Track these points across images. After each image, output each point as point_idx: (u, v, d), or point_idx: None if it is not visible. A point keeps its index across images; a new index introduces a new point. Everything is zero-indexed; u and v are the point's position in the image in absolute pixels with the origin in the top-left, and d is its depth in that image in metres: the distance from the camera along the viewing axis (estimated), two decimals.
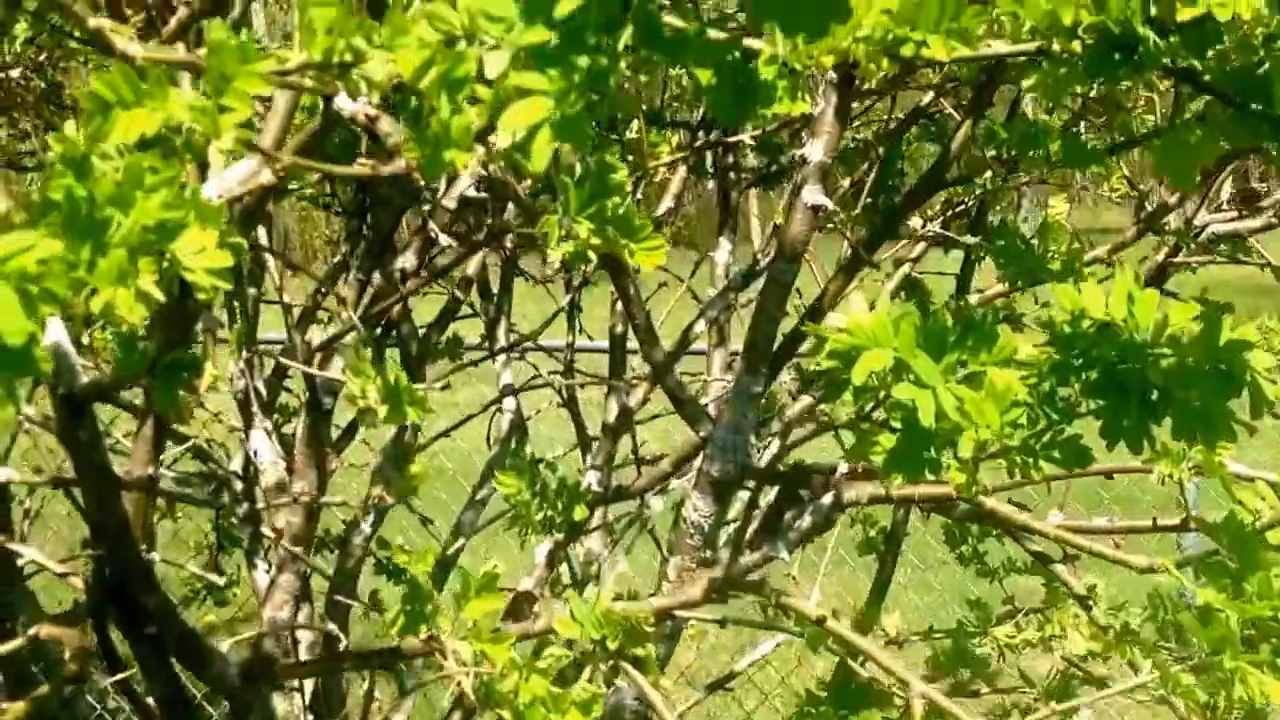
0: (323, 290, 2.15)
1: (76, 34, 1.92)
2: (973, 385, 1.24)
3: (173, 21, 1.54)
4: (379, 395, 1.08)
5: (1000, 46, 0.98)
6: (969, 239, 2.24)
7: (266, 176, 0.98)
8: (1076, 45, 0.93)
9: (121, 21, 1.17)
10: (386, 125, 0.93)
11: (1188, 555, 1.39)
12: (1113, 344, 1.10)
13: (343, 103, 1.04)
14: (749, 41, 0.79)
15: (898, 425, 1.26)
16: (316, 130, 1.09)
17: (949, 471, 1.28)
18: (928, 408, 1.19)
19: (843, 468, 1.79)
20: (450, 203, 2.04)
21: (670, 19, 0.71)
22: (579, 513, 1.78)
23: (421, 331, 2.31)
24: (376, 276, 2.11)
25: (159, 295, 0.85)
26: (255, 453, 2.07)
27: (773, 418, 2.00)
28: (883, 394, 1.26)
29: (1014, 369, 1.22)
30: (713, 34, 0.69)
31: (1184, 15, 0.86)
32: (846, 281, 2.04)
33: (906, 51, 0.94)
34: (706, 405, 2.50)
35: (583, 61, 0.65)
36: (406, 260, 2.13)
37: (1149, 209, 2.22)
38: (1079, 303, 1.19)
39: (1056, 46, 0.93)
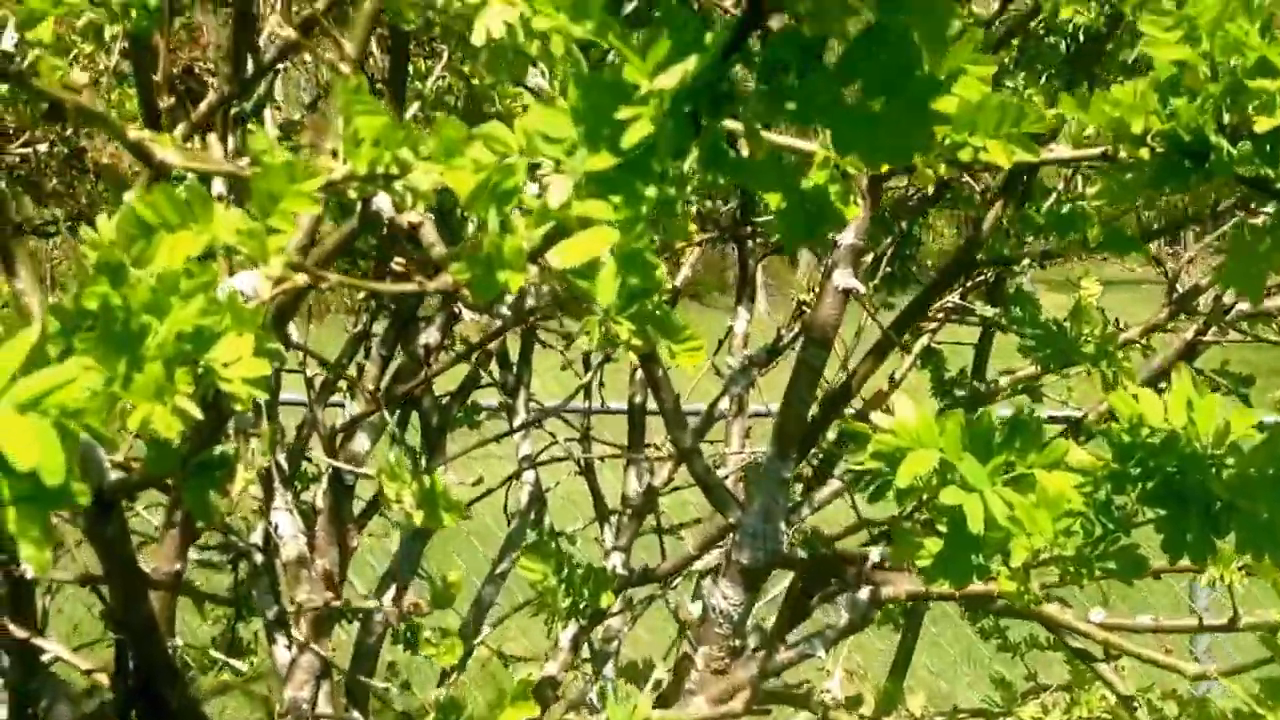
0: (344, 362, 2.13)
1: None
2: (1021, 488, 1.20)
3: (203, 105, 1.52)
4: (414, 500, 1.05)
5: (1062, 151, 0.95)
6: (988, 310, 2.21)
7: (303, 278, 0.95)
8: (1144, 152, 0.90)
9: (154, 111, 1.15)
10: (430, 234, 0.90)
11: (1236, 665, 1.35)
12: (1173, 454, 1.06)
13: (382, 204, 1.01)
14: (807, 145, 0.77)
15: (943, 529, 1.22)
16: (352, 231, 1.06)
17: (998, 577, 1.24)
18: (976, 513, 1.15)
19: (874, 555, 1.75)
20: None
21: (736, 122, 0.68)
22: (605, 600, 1.74)
23: (443, 401, 2.28)
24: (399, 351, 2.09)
25: (196, 412, 0.82)
26: (276, 527, 2.03)
27: (802, 504, 1.97)
28: (927, 496, 1.23)
29: (1067, 475, 1.19)
30: (784, 156, 0.66)
31: (1263, 126, 0.83)
32: (876, 364, 2.01)
33: (964, 156, 0.91)
34: (726, 478, 2.47)
35: (650, 191, 0.62)
36: (430, 335, 2.11)
37: (1180, 290, 2.19)
38: (1136, 410, 1.16)
39: (1123, 153, 0.90)
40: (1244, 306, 2.44)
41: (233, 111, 1.41)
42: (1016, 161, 0.93)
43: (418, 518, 1.06)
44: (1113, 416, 1.17)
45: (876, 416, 1.27)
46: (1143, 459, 1.15)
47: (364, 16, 1.17)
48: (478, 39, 0.96)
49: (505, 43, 0.98)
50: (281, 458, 2.06)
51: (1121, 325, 2.17)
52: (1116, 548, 1.17)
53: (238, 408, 0.90)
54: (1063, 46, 1.81)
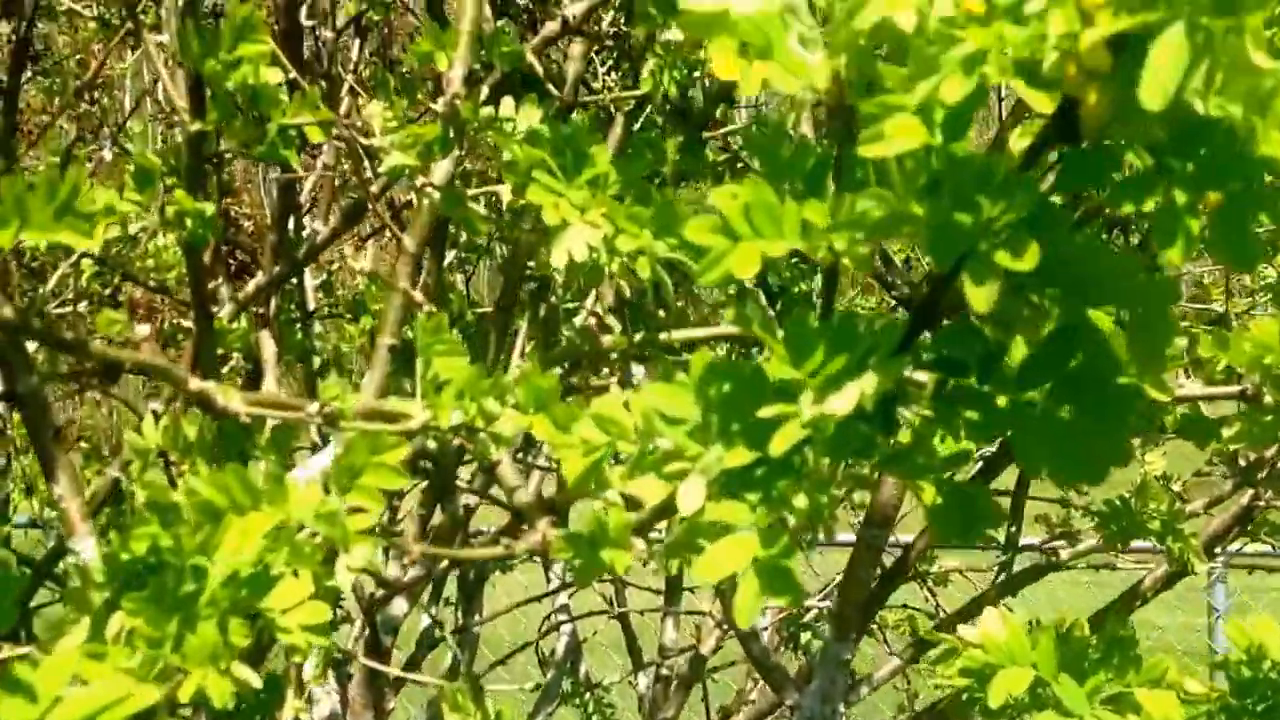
0: (382, 520, 2.04)
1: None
2: (1121, 708, 1.13)
3: (250, 285, 1.46)
4: None
5: (1195, 388, 0.88)
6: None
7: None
8: None
9: (205, 308, 1.08)
10: (510, 475, 0.83)
11: None
12: None
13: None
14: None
15: None
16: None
17: None
18: None
19: None
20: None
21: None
22: None
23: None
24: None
25: (254, 680, 0.74)
26: (308, 695, 1.94)
27: (860, 683, 1.87)
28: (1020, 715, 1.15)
29: (1170, 695, 1.11)
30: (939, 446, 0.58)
31: None
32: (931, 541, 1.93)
33: None
34: (765, 629, 2.37)
35: (800, 502, 0.55)
36: (468, 498, 2.04)
37: (1244, 462, 2.11)
38: (1254, 640, 1.08)
39: (1269, 397, 0.83)
40: None
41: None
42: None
43: None
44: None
45: (964, 630, 1.20)
46: (1265, 693, 1.07)
47: (424, 216, 1.11)
48: (558, 262, 0.89)
49: (586, 265, 0.91)
50: None
51: (1184, 491, 2.10)
52: None
53: (296, 659, 0.81)
54: None
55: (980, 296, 0.45)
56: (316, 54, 2.30)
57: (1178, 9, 0.39)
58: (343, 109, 1.01)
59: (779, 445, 0.53)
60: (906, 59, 0.48)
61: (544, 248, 0.94)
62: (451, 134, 1.18)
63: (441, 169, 1.16)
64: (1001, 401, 0.53)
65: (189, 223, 0.95)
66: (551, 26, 1.32)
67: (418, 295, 1.00)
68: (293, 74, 1.12)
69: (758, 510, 0.57)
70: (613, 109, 1.88)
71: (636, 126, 1.92)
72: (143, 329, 0.71)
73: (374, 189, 1.18)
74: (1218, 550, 2.37)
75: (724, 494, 0.58)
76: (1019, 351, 0.54)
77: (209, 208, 0.98)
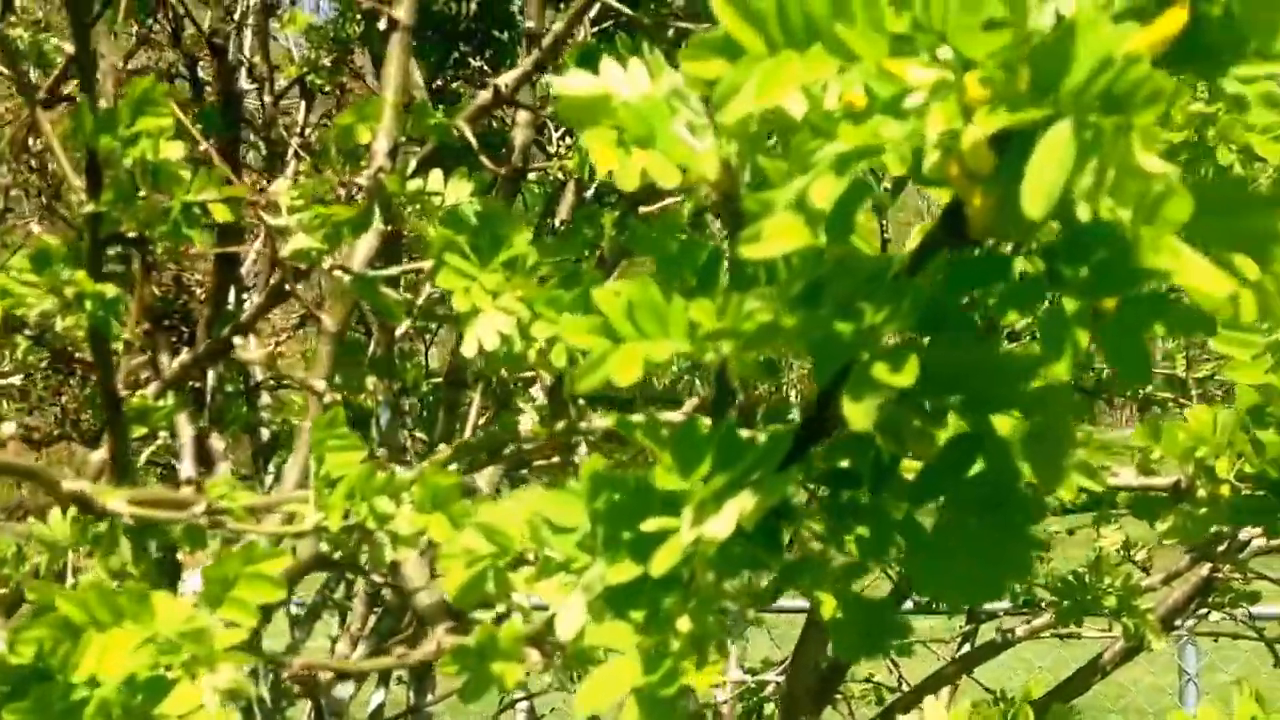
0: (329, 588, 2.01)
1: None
2: None
3: (175, 364, 1.41)
4: None
5: (1129, 477, 0.85)
6: None
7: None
8: (1226, 489, 0.79)
9: (113, 397, 1.03)
10: (414, 574, 0.78)
11: None
12: None
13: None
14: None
15: None
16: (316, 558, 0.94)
17: None
18: None
19: None
20: None
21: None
22: None
23: None
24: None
25: None
26: None
27: None
28: None
29: None
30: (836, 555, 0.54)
31: None
32: None
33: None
34: (724, 703, 2.31)
35: (684, 624, 0.51)
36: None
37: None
38: None
39: (1202, 491, 0.79)
40: (1259, 543, 2.33)
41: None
42: (1082, 486, 0.83)
43: None
44: None
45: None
46: None
47: (344, 295, 1.07)
48: (468, 350, 0.86)
49: (500, 353, 0.87)
50: (264, 690, 1.92)
51: (1144, 564, 2.06)
52: None
53: None
54: None
55: (860, 413, 0.42)
56: (263, 119, 2.27)
57: (1064, 105, 0.36)
58: (277, 182, 0.97)
59: (661, 564, 0.50)
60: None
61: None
62: (376, 208, 1.14)
63: (363, 247, 1.13)
64: (896, 515, 0.49)
65: (88, 305, 0.91)
66: (484, 96, 1.29)
67: (318, 384, 0.96)
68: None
69: (641, 632, 0.53)
70: (562, 176, 1.85)
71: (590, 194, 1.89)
72: (7, 427, 0.67)
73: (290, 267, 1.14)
74: (1178, 623, 2.34)
75: (609, 609, 0.54)
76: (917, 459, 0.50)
77: (110, 290, 0.93)
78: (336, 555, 0.74)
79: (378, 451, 2.24)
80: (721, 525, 0.46)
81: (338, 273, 0.92)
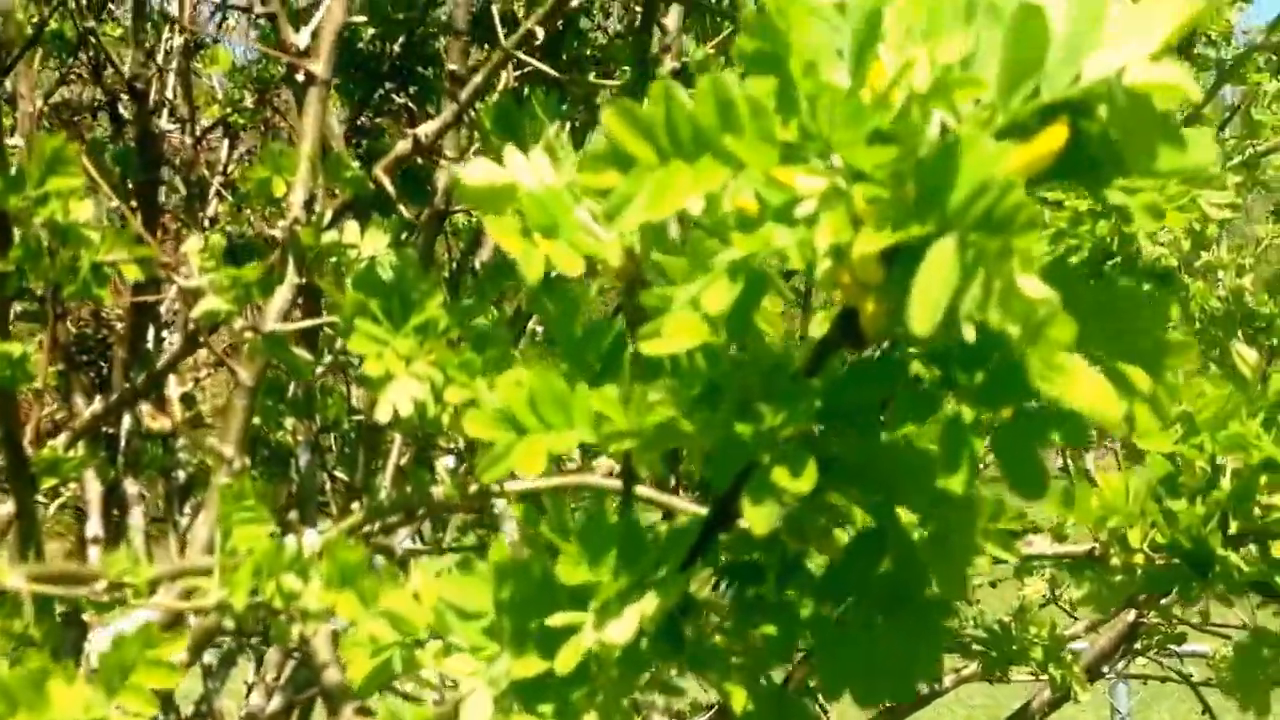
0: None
1: None
2: None
3: (87, 413, 1.39)
4: None
5: (1043, 545, 0.85)
6: None
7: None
8: (1140, 558, 0.80)
9: (20, 457, 1.01)
10: (323, 652, 0.77)
11: None
12: None
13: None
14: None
15: None
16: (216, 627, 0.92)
17: None
18: None
19: None
20: None
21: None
22: None
23: None
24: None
25: None
26: None
27: None
28: None
29: None
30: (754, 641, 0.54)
31: None
32: None
33: None
34: None
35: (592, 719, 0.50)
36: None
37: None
38: None
39: (1115, 559, 0.80)
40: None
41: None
42: (992, 555, 0.83)
43: None
44: None
45: None
46: None
47: (259, 348, 1.05)
48: (382, 416, 0.84)
49: (413, 419, 0.86)
50: None
51: (1071, 607, 2.07)
52: None
53: None
54: None
55: (760, 518, 0.41)
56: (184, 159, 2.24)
57: (948, 223, 0.36)
58: (189, 242, 0.95)
59: (566, 662, 0.49)
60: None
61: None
62: (291, 261, 1.13)
63: (279, 300, 1.11)
64: (803, 612, 0.49)
65: None
66: (403, 146, 1.28)
67: (227, 450, 0.94)
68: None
69: None
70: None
71: None
72: None
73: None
74: (1105, 670, 2.36)
75: (517, 703, 0.53)
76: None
77: (16, 349, 0.91)
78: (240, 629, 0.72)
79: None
80: (623, 629, 0.45)
81: (248, 334, 0.91)
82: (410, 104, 2.34)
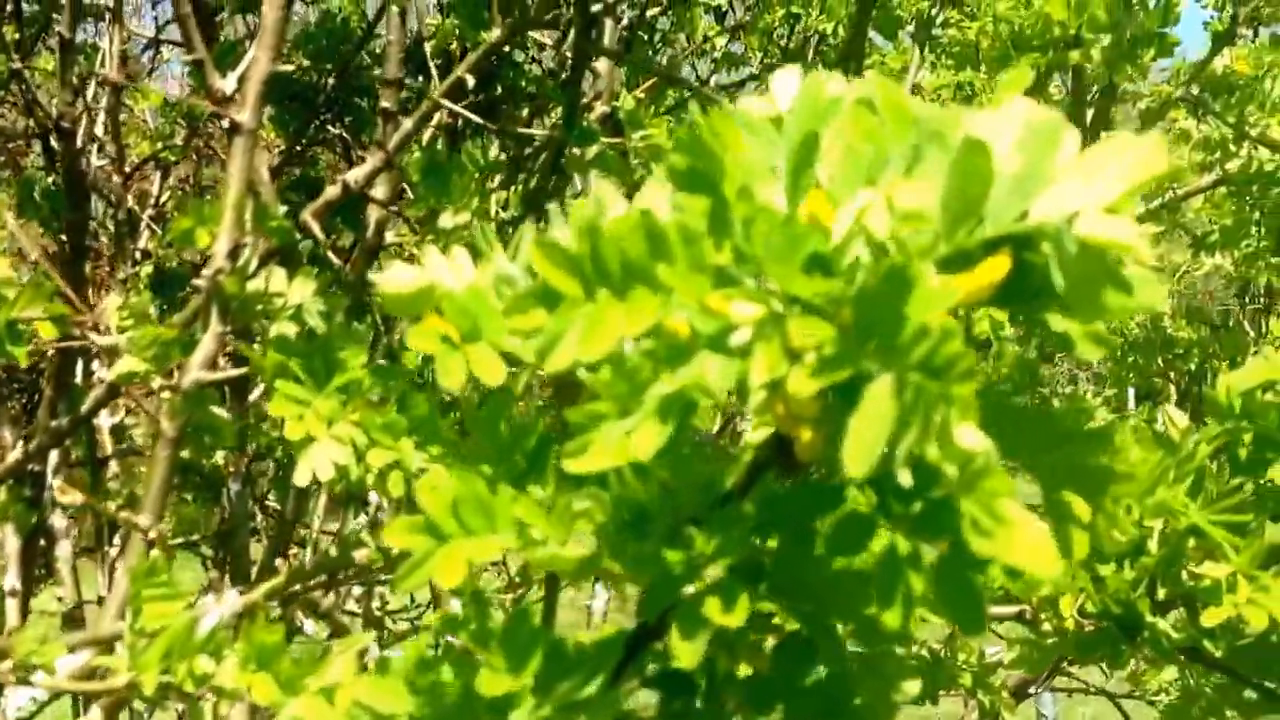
0: None
1: None
2: None
3: (11, 458, 1.35)
4: None
5: None
6: None
7: None
8: (1070, 623, 0.79)
9: None
10: None
11: None
12: None
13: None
14: None
15: None
16: None
17: None
18: None
19: None
20: None
21: None
22: None
23: None
24: None
25: None
26: None
27: None
28: None
29: None
30: None
31: (1211, 619, 0.73)
32: None
33: None
34: None
35: None
36: None
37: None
38: None
39: (1046, 624, 0.79)
40: None
41: None
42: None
43: None
44: None
45: None
46: None
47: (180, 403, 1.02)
48: (301, 480, 0.82)
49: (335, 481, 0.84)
50: None
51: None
52: None
53: None
54: None
55: (688, 653, 0.40)
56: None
57: (888, 361, 0.35)
58: (106, 300, 0.92)
59: None
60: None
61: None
62: (215, 311, 1.10)
63: (202, 352, 1.09)
64: None
65: None
66: (332, 191, 1.26)
67: (142, 521, 0.91)
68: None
69: None
70: (417, 252, 1.82)
71: None
72: None
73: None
74: (1032, 690, 2.37)
75: None
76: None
77: None
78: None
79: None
80: None
81: (165, 393, 0.88)
82: (345, 134, 2.31)
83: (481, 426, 0.53)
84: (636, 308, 0.37)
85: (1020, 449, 0.38)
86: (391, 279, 0.48)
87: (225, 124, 1.06)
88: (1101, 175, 0.34)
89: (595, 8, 1.43)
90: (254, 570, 1.98)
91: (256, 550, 2.25)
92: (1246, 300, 3.31)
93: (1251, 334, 2.40)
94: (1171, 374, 2.37)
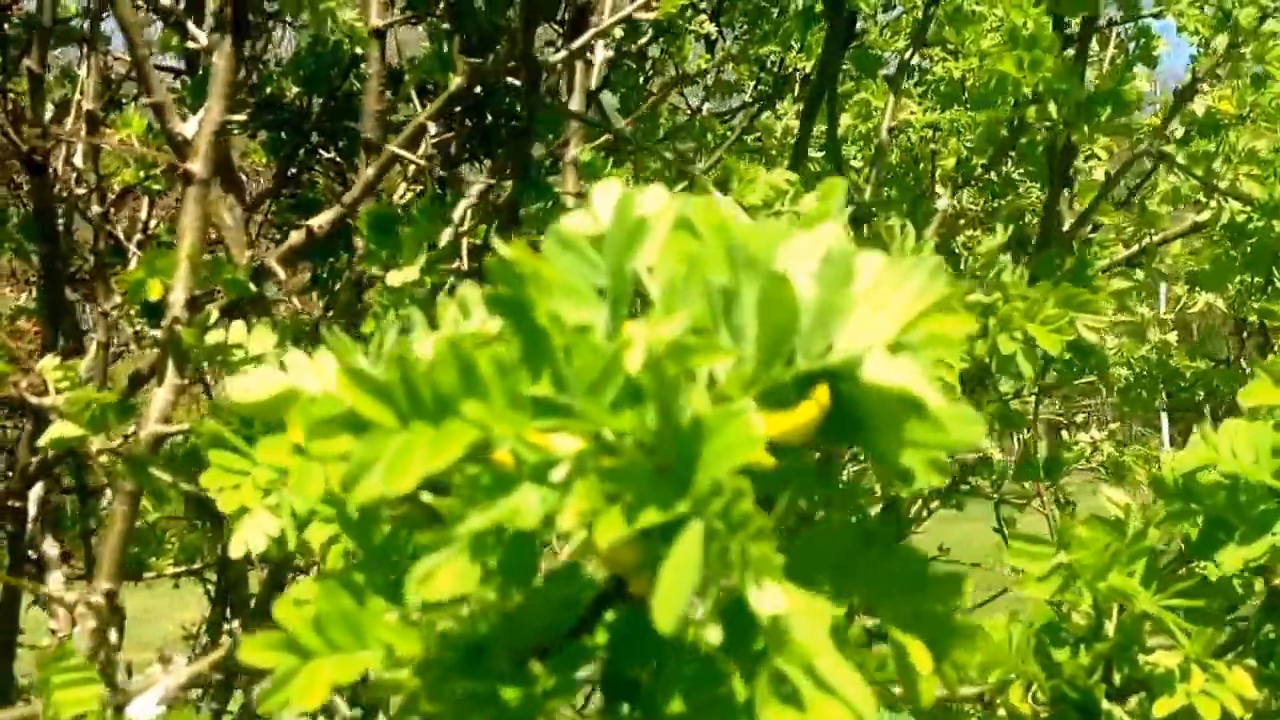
0: None
1: None
2: None
3: None
4: None
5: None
6: None
7: None
8: (1025, 707, 0.77)
9: None
10: None
11: None
12: None
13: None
14: None
15: None
16: None
17: None
18: None
19: None
20: None
21: None
22: None
23: None
24: None
25: None
26: None
27: None
28: None
29: None
30: None
31: (1162, 710, 0.70)
32: None
33: None
34: None
35: None
36: None
37: None
38: None
39: (1002, 711, 0.76)
40: None
41: None
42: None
43: None
44: None
45: None
46: None
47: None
48: (234, 554, 0.80)
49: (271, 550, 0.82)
50: None
51: None
52: None
53: None
54: None
55: None
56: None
57: (697, 508, 0.32)
58: (44, 360, 0.91)
59: None
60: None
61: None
62: (171, 363, 1.09)
63: (159, 403, 1.07)
64: None
65: None
66: (296, 237, 1.25)
67: (95, 599, 0.89)
68: None
69: None
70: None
71: None
72: None
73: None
74: None
75: None
76: None
77: None
78: None
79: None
80: None
81: (104, 458, 0.87)
82: (338, 158, 2.30)
83: (357, 536, 0.51)
84: (451, 438, 0.35)
85: (859, 592, 0.35)
86: (245, 386, 0.46)
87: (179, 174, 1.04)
88: (886, 308, 0.32)
89: (553, 58, 1.41)
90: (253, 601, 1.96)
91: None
92: (1245, 335, 3.26)
93: (1249, 370, 2.37)
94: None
